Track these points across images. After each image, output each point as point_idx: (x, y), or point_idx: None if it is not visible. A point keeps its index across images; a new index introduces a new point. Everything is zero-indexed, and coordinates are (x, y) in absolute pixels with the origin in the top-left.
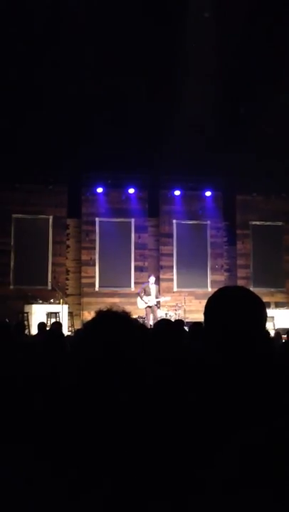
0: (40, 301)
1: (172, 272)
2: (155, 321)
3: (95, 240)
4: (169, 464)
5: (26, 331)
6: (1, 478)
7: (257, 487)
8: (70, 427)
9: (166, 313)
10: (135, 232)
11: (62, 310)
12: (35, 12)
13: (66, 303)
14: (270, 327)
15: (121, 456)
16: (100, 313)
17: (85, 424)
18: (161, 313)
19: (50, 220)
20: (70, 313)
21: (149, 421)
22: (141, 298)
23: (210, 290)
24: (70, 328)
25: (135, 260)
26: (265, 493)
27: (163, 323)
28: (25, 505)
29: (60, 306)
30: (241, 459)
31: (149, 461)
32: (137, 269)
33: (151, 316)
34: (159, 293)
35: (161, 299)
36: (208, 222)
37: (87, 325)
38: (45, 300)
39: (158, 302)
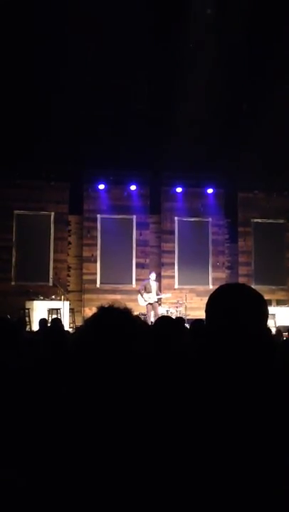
0: (42, 298)
1: (173, 269)
2: (156, 318)
3: (96, 237)
4: (170, 462)
5: (27, 328)
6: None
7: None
8: (70, 423)
9: (167, 310)
10: (137, 228)
11: (64, 306)
12: (42, 12)
13: (67, 299)
14: (271, 325)
15: (122, 453)
16: (101, 310)
17: (85, 421)
18: (162, 311)
19: (52, 217)
20: (72, 310)
21: (149, 418)
22: (141, 295)
23: (211, 287)
24: (72, 325)
25: (136, 257)
26: None
27: (163, 321)
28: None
29: (61, 302)
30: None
31: (150, 459)
32: (139, 265)
33: (152, 313)
34: (159, 290)
35: (162, 296)
36: (210, 219)
37: (87, 322)
38: (47, 296)
39: (159, 299)
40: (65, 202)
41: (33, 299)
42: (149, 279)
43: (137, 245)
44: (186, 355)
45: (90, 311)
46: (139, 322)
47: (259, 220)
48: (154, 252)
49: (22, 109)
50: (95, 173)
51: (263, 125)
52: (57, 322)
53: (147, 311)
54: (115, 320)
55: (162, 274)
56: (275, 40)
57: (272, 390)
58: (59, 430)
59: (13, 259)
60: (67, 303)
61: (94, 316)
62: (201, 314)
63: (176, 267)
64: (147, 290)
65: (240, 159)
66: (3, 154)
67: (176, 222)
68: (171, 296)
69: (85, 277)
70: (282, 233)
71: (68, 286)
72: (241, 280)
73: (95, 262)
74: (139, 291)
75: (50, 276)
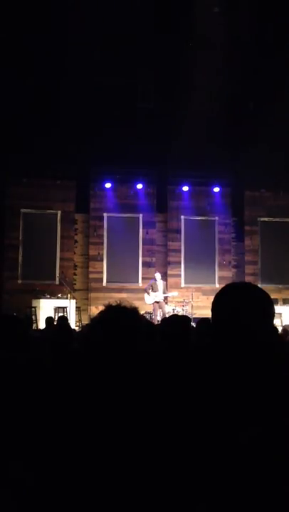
0: (48, 296)
1: (180, 267)
2: (162, 317)
3: (102, 235)
4: (171, 462)
5: (34, 326)
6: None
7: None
8: (74, 420)
9: (173, 309)
10: (143, 227)
11: (70, 305)
12: (45, 10)
13: (74, 298)
14: (278, 323)
15: (121, 453)
16: (108, 308)
17: (88, 418)
18: (168, 309)
19: (59, 215)
20: (78, 308)
21: (152, 417)
22: (148, 293)
23: (217, 286)
24: (78, 323)
25: (143, 256)
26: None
27: (170, 320)
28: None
29: (67, 300)
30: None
31: (151, 459)
32: (145, 264)
33: (158, 312)
34: (166, 288)
35: (169, 294)
36: (217, 218)
37: (95, 320)
38: (53, 295)
39: (166, 297)
40: (72, 200)
41: (40, 298)
42: (155, 279)
43: (143, 244)
44: (191, 354)
45: (96, 310)
46: (145, 321)
47: (266, 219)
48: (160, 250)
49: (28, 107)
50: (102, 171)
51: (269, 124)
52: (63, 320)
53: (154, 310)
54: (122, 319)
55: (168, 272)
56: (282, 39)
57: (278, 390)
58: (64, 426)
59: (20, 258)
60: (73, 301)
61: (101, 314)
62: (208, 313)
63: (182, 265)
64: (154, 289)
65: (247, 158)
66: (10, 153)
67: (183, 220)
68: (178, 294)
69: (91, 276)
70: (288, 232)
71: (75, 284)
72: (248, 279)
73: (102, 260)
74: (145, 290)
75: (57, 274)
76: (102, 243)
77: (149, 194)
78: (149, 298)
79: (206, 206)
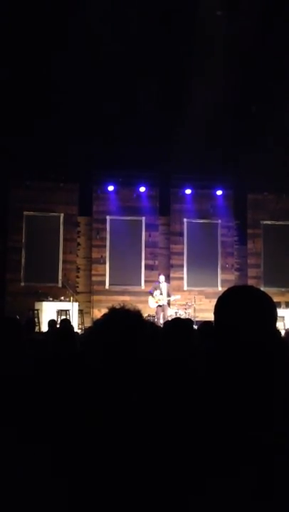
0: (51, 299)
1: (182, 270)
2: (165, 320)
3: (105, 238)
4: (171, 465)
5: (36, 328)
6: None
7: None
8: (76, 423)
9: (176, 312)
10: (146, 230)
11: (73, 307)
12: (52, 10)
13: (76, 300)
14: (281, 327)
15: (124, 455)
16: (111, 311)
17: (90, 420)
18: (170, 312)
19: (61, 218)
20: (80, 311)
21: (156, 420)
22: (152, 296)
23: (220, 289)
24: (80, 326)
25: (146, 258)
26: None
27: (174, 323)
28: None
29: (70, 303)
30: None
31: (151, 462)
32: (148, 267)
33: (161, 315)
34: (169, 291)
35: (172, 298)
36: (219, 221)
37: (98, 322)
38: (56, 297)
39: (169, 301)
40: (75, 203)
41: (42, 300)
42: (159, 281)
43: (146, 247)
44: (194, 357)
45: (98, 313)
46: (149, 324)
47: (268, 222)
48: (163, 253)
49: (30, 110)
50: (105, 174)
51: (272, 127)
52: (66, 323)
53: (156, 313)
54: (126, 321)
55: (171, 275)
56: (285, 42)
57: (280, 393)
58: (64, 428)
59: (23, 260)
60: (76, 304)
61: (104, 317)
62: (210, 316)
63: (185, 268)
64: (159, 292)
65: (250, 161)
66: (13, 155)
67: (185, 223)
68: (180, 297)
69: (94, 278)
70: None
71: (77, 287)
72: (250, 282)
73: (104, 263)
74: (150, 293)
75: (60, 277)
76: (105, 246)
77: (152, 197)
78: (153, 302)
79: (208, 209)
